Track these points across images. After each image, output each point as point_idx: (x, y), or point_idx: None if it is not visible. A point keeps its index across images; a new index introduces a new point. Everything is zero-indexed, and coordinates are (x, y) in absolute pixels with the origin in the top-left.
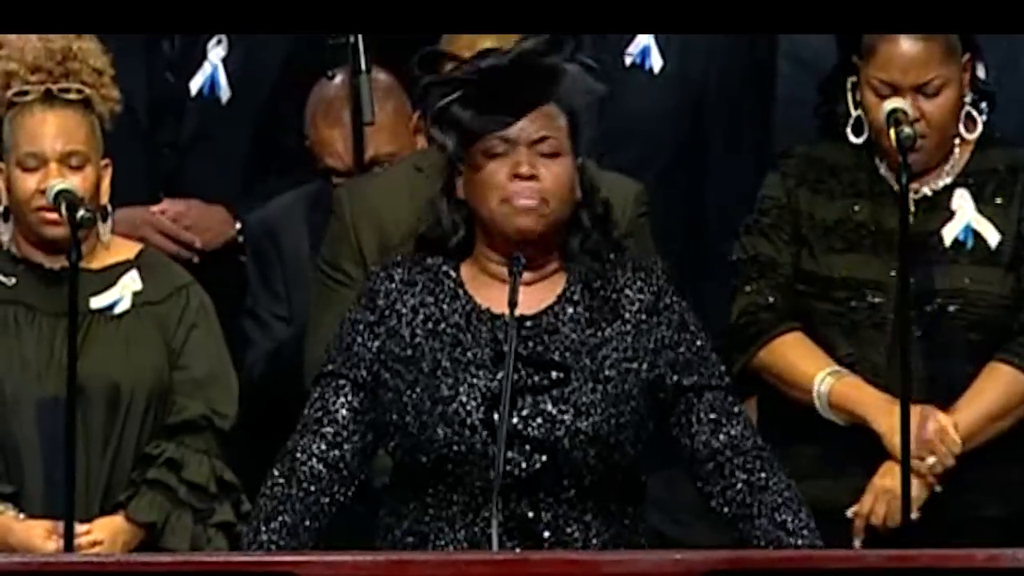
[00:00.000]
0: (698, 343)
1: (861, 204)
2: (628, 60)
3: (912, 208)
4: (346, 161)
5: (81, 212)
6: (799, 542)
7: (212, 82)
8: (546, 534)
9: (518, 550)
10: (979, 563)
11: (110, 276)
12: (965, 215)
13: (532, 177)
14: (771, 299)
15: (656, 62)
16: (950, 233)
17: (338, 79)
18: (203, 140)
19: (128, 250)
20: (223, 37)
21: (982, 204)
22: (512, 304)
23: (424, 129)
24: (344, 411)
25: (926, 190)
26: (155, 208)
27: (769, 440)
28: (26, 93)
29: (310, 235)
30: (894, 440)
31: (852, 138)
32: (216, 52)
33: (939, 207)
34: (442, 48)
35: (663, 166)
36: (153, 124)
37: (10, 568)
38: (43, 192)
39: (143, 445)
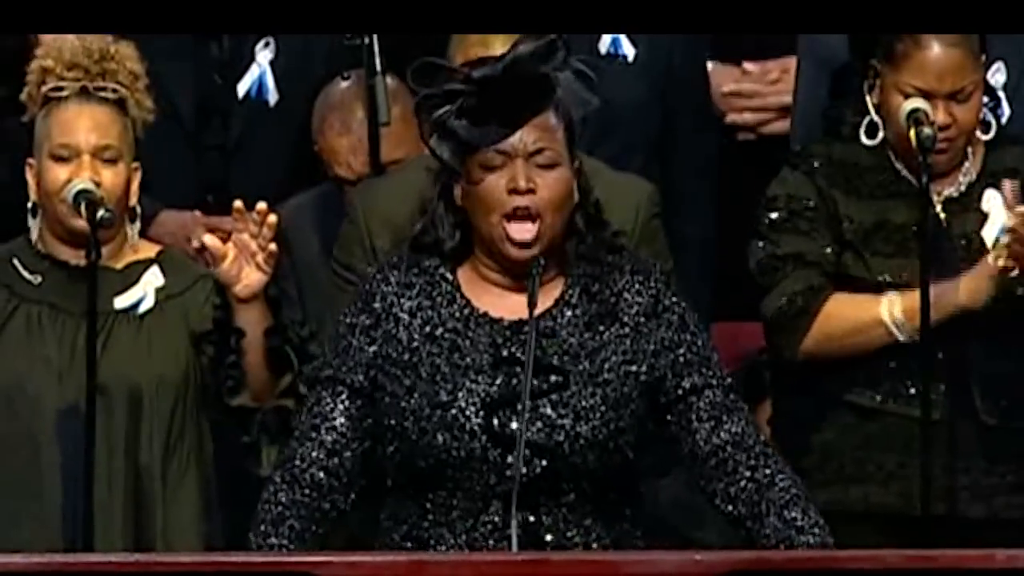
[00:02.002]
0: (698, 343)
1: (893, 206)
2: (603, 49)
3: (940, 210)
4: (355, 169)
5: (101, 212)
6: (811, 540)
7: (260, 85)
8: (548, 538)
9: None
10: (999, 564)
11: (132, 274)
12: (999, 215)
13: (530, 191)
14: (816, 284)
15: (629, 50)
16: (989, 235)
17: (349, 82)
18: (250, 143)
19: (150, 249)
20: (271, 39)
21: None
22: (531, 305)
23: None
24: (342, 418)
25: (950, 191)
26: None
27: (783, 438)
28: (61, 89)
29: (321, 238)
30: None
31: (866, 140)
32: (264, 54)
33: (969, 208)
34: (437, 59)
35: (646, 155)
36: (199, 127)
37: (10, 568)
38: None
39: (168, 447)
